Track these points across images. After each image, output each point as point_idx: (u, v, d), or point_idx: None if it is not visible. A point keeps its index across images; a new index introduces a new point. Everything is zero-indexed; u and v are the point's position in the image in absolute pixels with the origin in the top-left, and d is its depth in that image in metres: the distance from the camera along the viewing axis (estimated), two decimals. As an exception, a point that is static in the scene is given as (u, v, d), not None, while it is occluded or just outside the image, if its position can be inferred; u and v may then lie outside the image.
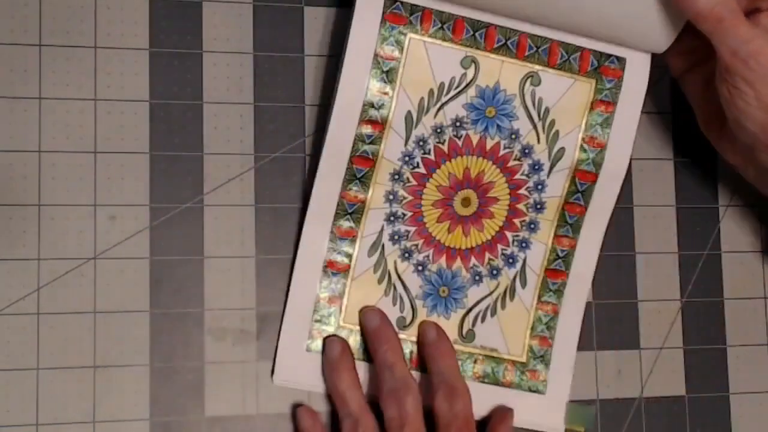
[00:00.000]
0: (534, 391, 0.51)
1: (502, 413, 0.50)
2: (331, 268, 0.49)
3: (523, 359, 0.51)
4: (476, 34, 0.49)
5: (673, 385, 0.54)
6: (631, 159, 0.52)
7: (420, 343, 0.50)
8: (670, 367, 0.54)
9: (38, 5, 0.48)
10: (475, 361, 0.51)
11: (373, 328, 0.49)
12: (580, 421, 0.52)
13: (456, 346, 0.50)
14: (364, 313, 0.49)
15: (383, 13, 0.47)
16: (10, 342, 0.47)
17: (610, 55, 0.50)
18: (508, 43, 0.49)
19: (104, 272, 0.48)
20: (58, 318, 0.47)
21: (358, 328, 0.49)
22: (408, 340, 0.50)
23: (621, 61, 0.50)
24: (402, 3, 0.48)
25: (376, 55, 0.48)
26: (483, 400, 0.50)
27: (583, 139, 0.51)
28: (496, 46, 0.49)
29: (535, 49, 0.49)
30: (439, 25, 0.48)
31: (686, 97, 0.52)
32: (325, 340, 0.49)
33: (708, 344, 0.55)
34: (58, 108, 0.48)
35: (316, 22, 0.51)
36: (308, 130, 0.51)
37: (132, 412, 0.47)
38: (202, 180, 0.49)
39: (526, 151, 0.50)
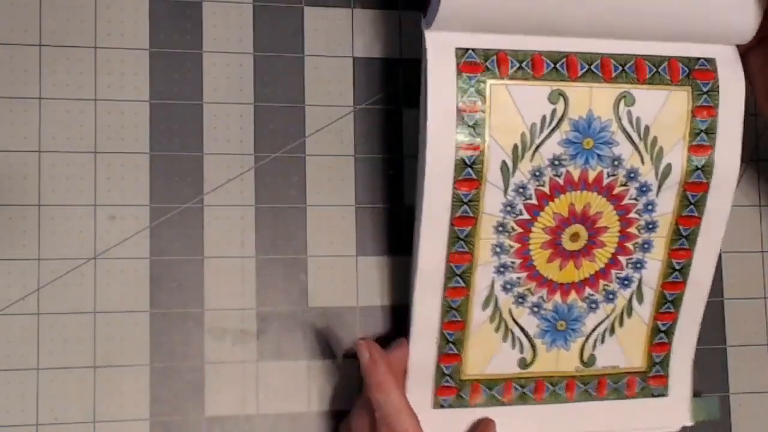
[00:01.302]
0: (657, 396, 0.51)
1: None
2: (447, 330, 0.48)
3: (644, 368, 0.51)
4: (557, 66, 0.46)
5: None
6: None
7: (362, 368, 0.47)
8: (670, 367, 0.54)
9: (38, 5, 0.48)
10: (598, 383, 0.51)
11: (364, 363, 0.46)
12: (706, 413, 0.53)
13: (578, 373, 0.50)
14: (357, 345, 0.47)
15: (457, 64, 0.45)
16: (10, 342, 0.47)
17: (698, 59, 0.48)
18: (592, 68, 0.47)
19: (104, 272, 0.48)
20: (58, 318, 0.47)
21: (482, 378, 0.49)
22: (530, 378, 0.50)
23: (711, 62, 0.48)
24: (474, 50, 0.45)
25: (459, 111, 0.45)
26: (610, 417, 0.51)
27: (689, 149, 0.48)
28: (580, 73, 0.47)
29: (621, 68, 0.47)
30: (518, 65, 0.46)
31: (747, 74, 0.50)
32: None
33: (708, 344, 0.55)
34: (58, 108, 0.48)
35: (316, 22, 0.51)
36: (308, 130, 0.51)
37: (132, 412, 0.47)
38: (202, 180, 0.49)
39: (632, 175, 0.48)
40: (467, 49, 0.46)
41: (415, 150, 0.51)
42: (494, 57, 0.46)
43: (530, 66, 0.46)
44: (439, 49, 0.45)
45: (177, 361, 0.48)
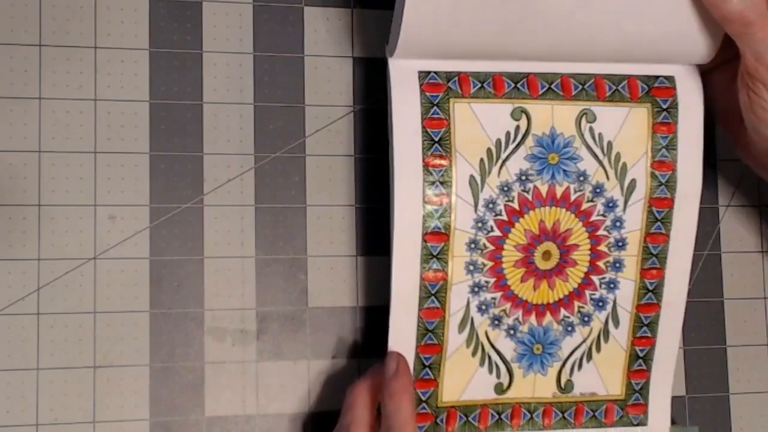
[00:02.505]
0: (636, 425, 0.51)
1: None
2: (423, 354, 0.48)
3: (623, 396, 0.50)
4: (518, 85, 0.47)
5: (673, 385, 0.54)
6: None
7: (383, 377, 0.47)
8: (670, 367, 0.54)
9: (38, 5, 0.48)
10: (576, 410, 0.50)
11: (391, 369, 0.46)
12: None
13: (555, 400, 0.50)
14: (390, 353, 0.47)
15: (420, 85, 0.46)
16: (10, 342, 0.47)
17: (657, 77, 0.49)
18: (552, 86, 0.48)
19: (104, 272, 0.48)
20: (58, 318, 0.47)
21: (458, 404, 0.49)
22: (507, 404, 0.49)
23: (670, 79, 0.49)
24: (437, 73, 0.46)
25: (423, 126, 0.46)
26: None
27: (651, 165, 0.49)
28: (541, 92, 0.48)
29: (581, 87, 0.48)
30: (479, 85, 0.47)
31: (709, 93, 0.51)
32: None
33: (708, 344, 0.55)
34: (58, 108, 0.48)
35: (316, 22, 0.51)
36: (308, 130, 0.51)
37: (132, 412, 0.47)
38: (202, 180, 0.49)
39: (598, 190, 0.48)
40: (429, 72, 0.47)
41: (415, 150, 0.51)
42: (456, 78, 0.47)
43: (492, 86, 0.47)
44: (402, 72, 0.46)
45: (177, 361, 0.48)
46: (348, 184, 0.51)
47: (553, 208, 0.48)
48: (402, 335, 0.47)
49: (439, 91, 0.47)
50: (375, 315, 0.51)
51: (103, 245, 0.48)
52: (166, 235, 0.49)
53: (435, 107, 0.46)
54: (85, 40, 0.49)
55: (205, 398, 0.48)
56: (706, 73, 0.51)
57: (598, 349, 0.50)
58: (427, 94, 0.46)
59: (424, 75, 0.47)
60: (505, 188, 0.48)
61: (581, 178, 0.48)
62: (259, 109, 0.50)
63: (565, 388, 0.50)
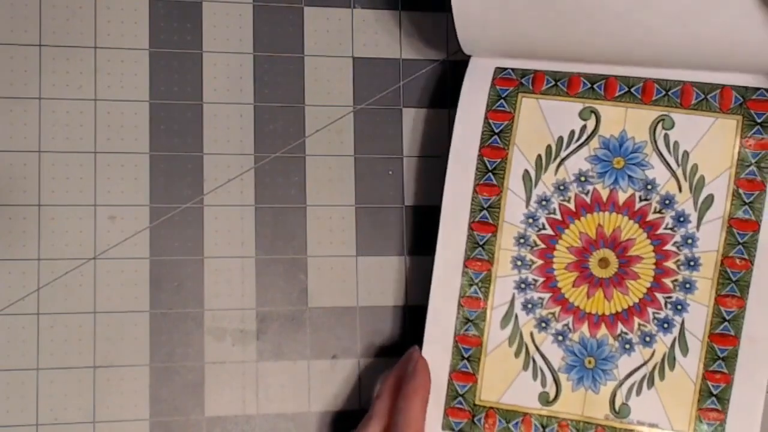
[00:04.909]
0: None
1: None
2: (462, 344, 0.46)
3: None
4: (594, 86, 0.45)
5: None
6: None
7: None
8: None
9: (38, 5, 0.48)
10: None
11: (411, 368, 0.46)
12: None
13: (608, 423, 0.46)
14: (412, 350, 0.46)
15: (493, 78, 0.46)
16: (10, 342, 0.47)
17: (757, 89, 0.45)
18: (632, 90, 0.45)
19: (104, 272, 0.48)
20: (58, 318, 0.47)
21: (498, 407, 0.46)
22: (552, 417, 0.46)
23: None
24: (513, 69, 0.46)
25: (486, 119, 0.45)
26: None
27: (736, 182, 0.45)
28: (618, 94, 0.45)
29: (664, 92, 0.45)
30: (553, 83, 0.46)
31: None
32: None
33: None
34: (58, 108, 0.48)
35: (316, 22, 0.51)
36: (308, 130, 0.51)
37: (132, 412, 0.47)
38: (202, 180, 0.49)
39: (667, 201, 0.45)
40: (506, 68, 0.46)
41: (414, 150, 0.51)
42: (531, 75, 0.46)
43: (566, 85, 0.46)
44: (479, 67, 0.46)
45: (177, 361, 0.48)
46: (348, 184, 0.51)
47: (614, 214, 0.46)
48: (441, 320, 0.46)
49: (510, 86, 0.46)
50: (375, 315, 0.51)
51: (103, 245, 0.48)
52: (166, 235, 0.49)
53: (502, 100, 0.46)
54: (85, 40, 0.49)
55: (205, 398, 0.48)
56: None
57: (662, 377, 0.46)
58: (498, 87, 0.46)
59: (500, 71, 0.46)
60: (561, 187, 0.46)
61: (648, 187, 0.46)
62: (259, 109, 0.50)
63: (620, 412, 0.46)
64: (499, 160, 0.46)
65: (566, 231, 0.46)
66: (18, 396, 0.47)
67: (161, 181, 0.49)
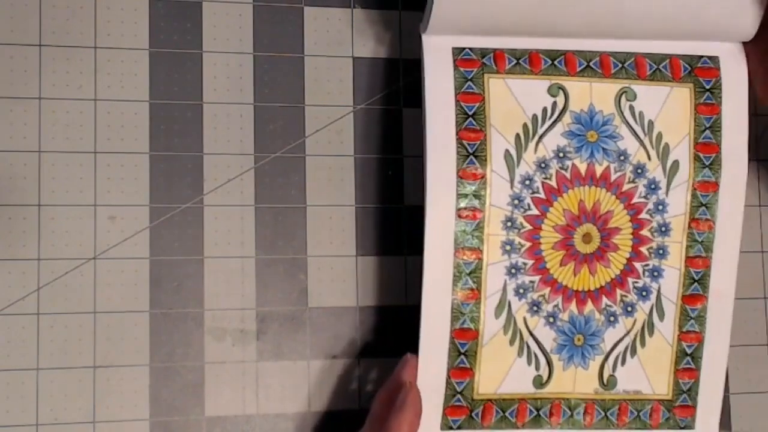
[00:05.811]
0: (684, 428, 0.48)
1: None
2: (458, 339, 0.46)
3: (670, 396, 0.48)
4: (555, 62, 0.46)
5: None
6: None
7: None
8: (670, 367, 0.54)
9: (38, 5, 0.48)
10: (619, 410, 0.48)
11: (409, 379, 0.45)
12: None
13: (598, 396, 0.48)
14: (408, 358, 0.46)
15: (454, 60, 0.46)
16: (10, 342, 0.47)
17: (701, 57, 0.47)
18: (591, 64, 0.47)
19: (104, 272, 0.48)
20: (58, 318, 0.47)
21: (495, 398, 0.47)
22: (546, 399, 0.47)
23: (714, 59, 0.47)
24: (471, 49, 0.46)
25: (457, 101, 0.45)
26: None
27: (695, 147, 0.47)
28: (579, 69, 0.47)
29: (620, 65, 0.47)
30: (515, 62, 0.46)
31: (747, 66, 0.49)
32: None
33: (708, 344, 0.55)
34: (58, 108, 0.48)
35: (316, 22, 0.51)
36: (308, 130, 0.51)
37: (132, 412, 0.47)
38: (202, 180, 0.49)
39: (639, 170, 0.47)
40: (463, 48, 0.46)
41: (414, 150, 0.51)
42: (491, 54, 0.46)
43: (528, 62, 0.46)
44: (435, 48, 0.46)
45: (177, 361, 0.48)
46: (348, 184, 0.51)
47: (593, 187, 0.47)
48: (435, 317, 0.46)
49: (474, 67, 0.46)
50: (375, 315, 0.51)
51: (103, 245, 0.48)
52: (166, 235, 0.49)
53: (469, 82, 0.46)
54: (85, 40, 0.49)
55: (205, 398, 0.48)
56: (744, 44, 0.49)
57: (643, 344, 0.48)
58: (461, 69, 0.46)
59: (458, 51, 0.46)
60: (542, 164, 0.47)
61: (621, 158, 0.47)
62: (259, 109, 0.50)
63: (608, 384, 0.48)
64: (478, 142, 0.46)
65: (550, 209, 0.47)
66: (18, 396, 0.47)
67: (161, 181, 0.49)
